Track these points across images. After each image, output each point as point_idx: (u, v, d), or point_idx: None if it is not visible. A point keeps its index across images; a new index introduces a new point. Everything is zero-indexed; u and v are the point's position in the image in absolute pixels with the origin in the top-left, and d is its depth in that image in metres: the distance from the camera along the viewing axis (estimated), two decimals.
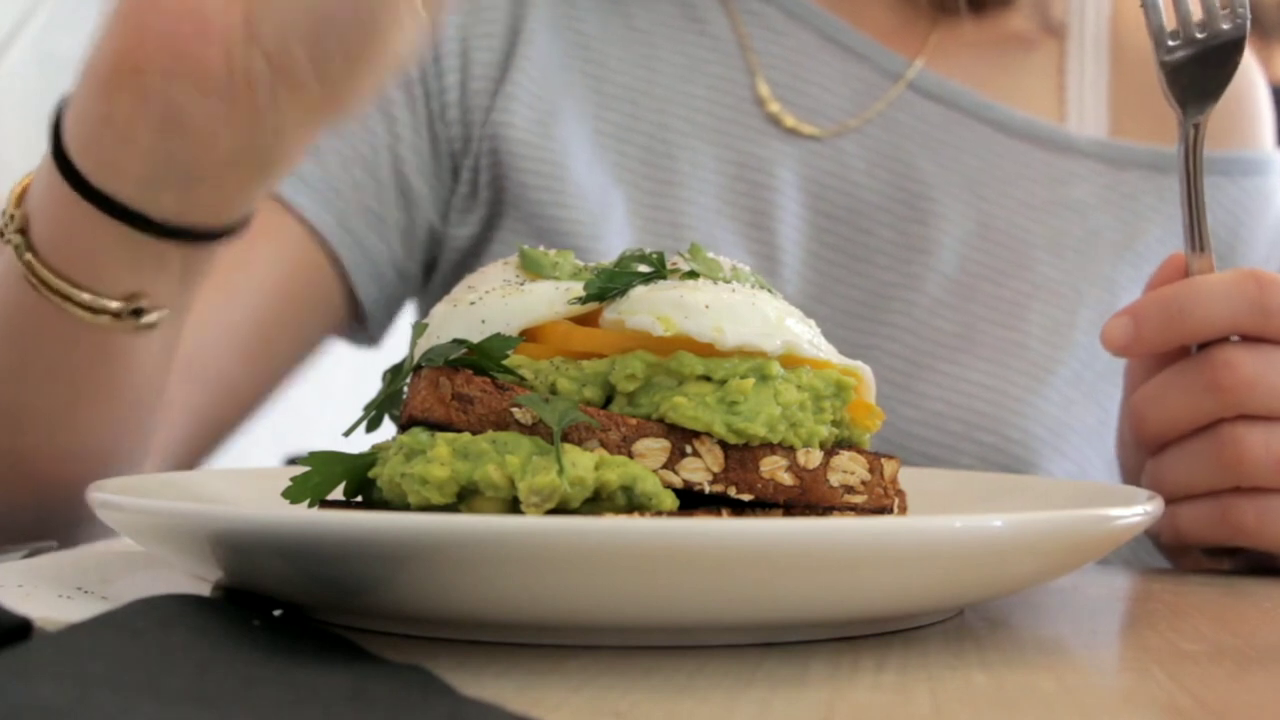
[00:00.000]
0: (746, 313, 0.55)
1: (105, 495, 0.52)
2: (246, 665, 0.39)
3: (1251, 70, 1.08)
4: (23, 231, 0.65)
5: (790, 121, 0.99)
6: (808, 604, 0.47)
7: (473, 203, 0.98)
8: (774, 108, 0.99)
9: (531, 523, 0.43)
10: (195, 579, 0.54)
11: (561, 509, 0.49)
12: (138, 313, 0.65)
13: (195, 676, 0.37)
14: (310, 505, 0.55)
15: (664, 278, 0.57)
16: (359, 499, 0.57)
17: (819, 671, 0.45)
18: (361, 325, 1.01)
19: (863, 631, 0.51)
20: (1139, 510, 0.52)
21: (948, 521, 0.46)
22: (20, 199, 0.66)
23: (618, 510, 0.50)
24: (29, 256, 0.64)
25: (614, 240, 0.94)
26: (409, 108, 0.97)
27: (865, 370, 0.58)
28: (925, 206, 0.98)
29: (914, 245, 0.97)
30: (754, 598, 0.45)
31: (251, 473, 0.71)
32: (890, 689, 0.43)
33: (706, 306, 0.54)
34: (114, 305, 0.65)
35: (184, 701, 0.34)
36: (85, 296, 0.64)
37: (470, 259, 0.99)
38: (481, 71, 0.97)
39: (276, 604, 0.50)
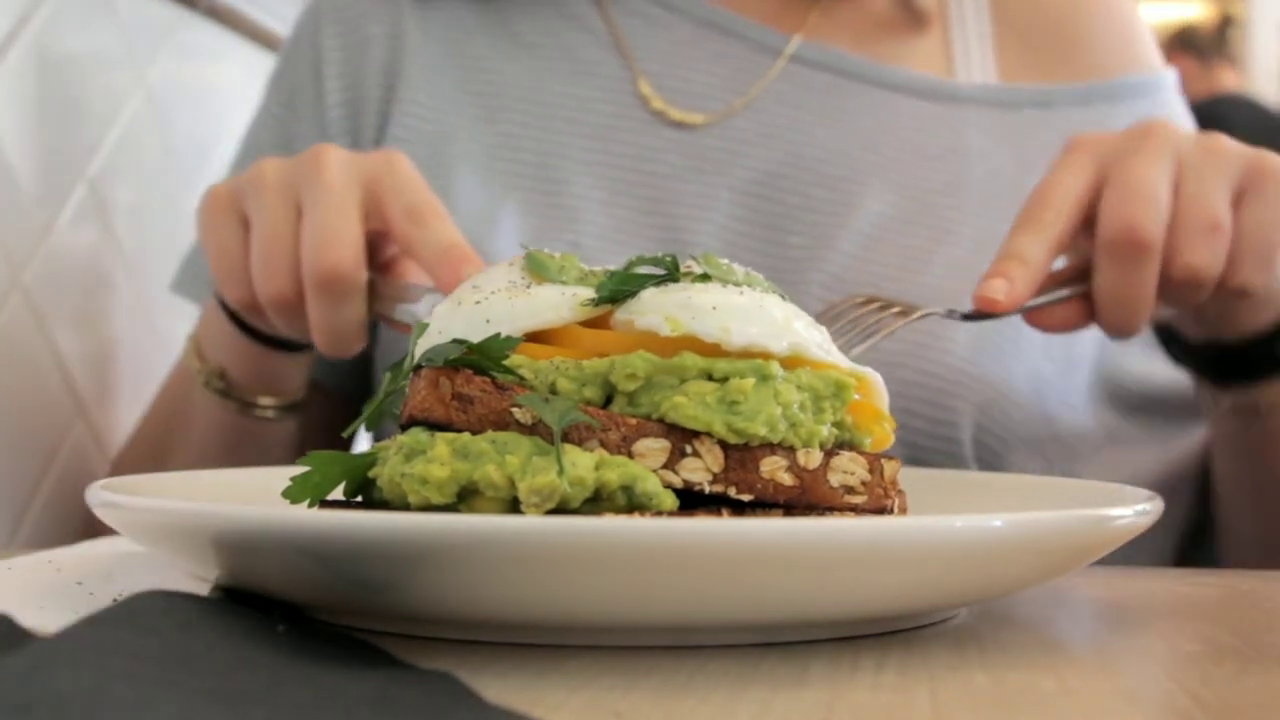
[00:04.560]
0: (754, 314, 0.55)
1: (106, 494, 0.52)
2: (271, 669, 0.39)
3: None
4: (222, 377, 0.91)
5: (676, 114, 1.00)
6: (808, 604, 0.47)
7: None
8: (657, 104, 1.00)
9: (531, 522, 0.43)
10: (195, 579, 0.54)
11: (561, 509, 0.49)
12: (286, 409, 0.94)
13: (218, 677, 0.37)
14: (310, 505, 0.55)
15: (676, 281, 0.57)
16: (358, 499, 0.57)
17: (819, 671, 0.45)
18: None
19: (863, 631, 0.51)
20: (1138, 510, 0.52)
21: (948, 521, 0.46)
22: (199, 354, 0.92)
23: (618, 510, 0.50)
24: (223, 389, 0.92)
25: (503, 244, 0.95)
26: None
27: (875, 377, 0.58)
28: (826, 170, 0.99)
29: (819, 209, 0.98)
30: (754, 597, 0.45)
31: (250, 474, 0.71)
32: (890, 689, 0.43)
33: (714, 307, 0.54)
34: (277, 401, 0.93)
35: (204, 700, 0.34)
36: (266, 400, 0.92)
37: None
38: (370, 130, 1.00)
39: (275, 603, 0.50)
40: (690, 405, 0.51)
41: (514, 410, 0.52)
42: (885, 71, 1.02)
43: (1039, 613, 0.58)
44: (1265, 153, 0.78)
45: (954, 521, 0.46)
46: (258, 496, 0.61)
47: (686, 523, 0.45)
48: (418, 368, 0.54)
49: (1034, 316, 0.78)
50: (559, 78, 1.01)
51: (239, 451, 0.93)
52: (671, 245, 0.97)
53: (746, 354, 0.53)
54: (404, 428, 0.54)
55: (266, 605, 0.49)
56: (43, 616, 0.46)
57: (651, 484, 0.50)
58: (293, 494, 0.54)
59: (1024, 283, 0.74)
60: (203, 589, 0.51)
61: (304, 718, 0.34)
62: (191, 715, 0.33)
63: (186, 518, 0.48)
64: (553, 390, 0.53)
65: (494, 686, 0.41)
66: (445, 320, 0.57)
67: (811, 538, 0.44)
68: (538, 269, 0.59)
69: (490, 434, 0.51)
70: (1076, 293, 0.78)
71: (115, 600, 0.45)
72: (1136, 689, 0.45)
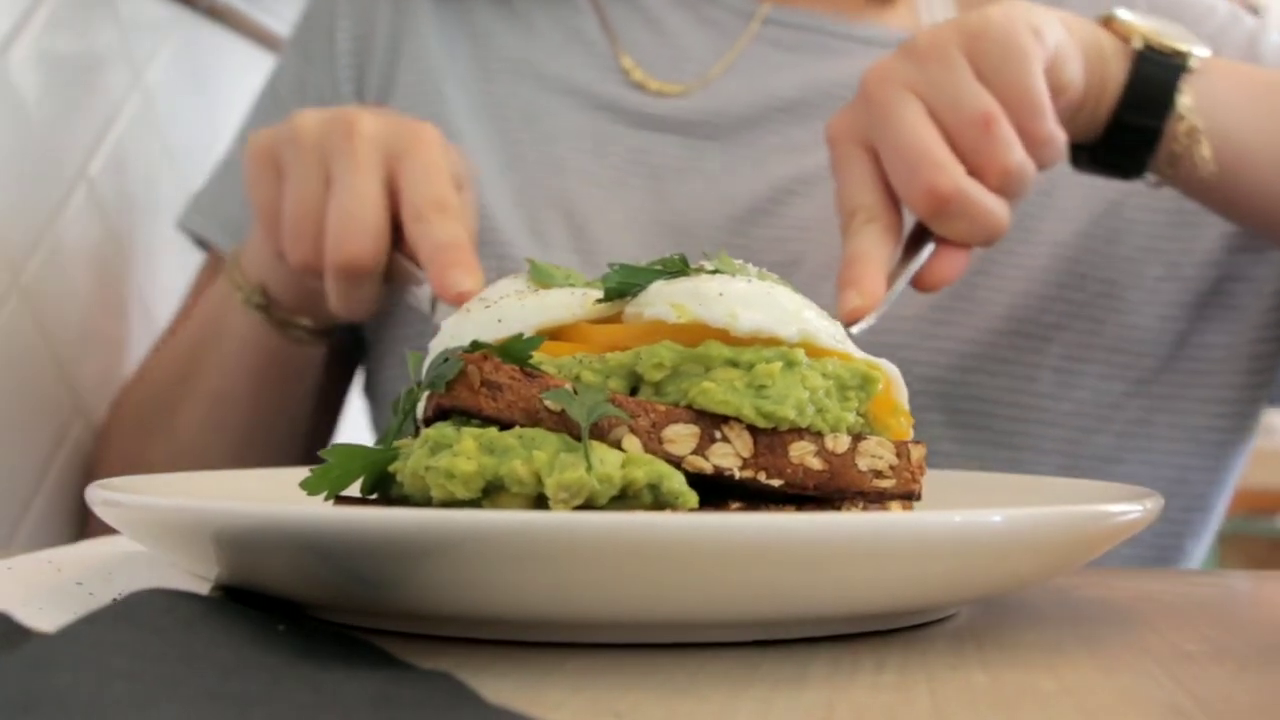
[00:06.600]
0: (761, 300, 0.55)
1: (107, 493, 0.52)
2: (271, 669, 0.39)
3: None
4: (264, 294, 0.94)
5: (656, 85, 1.04)
6: (809, 599, 0.47)
7: None
8: (638, 75, 1.04)
9: (535, 517, 0.43)
10: (195, 578, 0.54)
11: (588, 505, 0.49)
12: (320, 332, 0.97)
13: (218, 677, 0.37)
14: (327, 498, 0.55)
15: (686, 275, 0.57)
16: (374, 496, 0.56)
17: (819, 671, 0.45)
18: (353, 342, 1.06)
19: (863, 629, 0.51)
20: (1138, 507, 0.52)
21: (947, 516, 0.46)
22: (242, 271, 0.95)
23: (644, 508, 0.50)
24: (264, 304, 0.95)
25: (492, 195, 0.98)
26: None
27: (891, 369, 0.58)
28: (804, 111, 1.02)
29: (798, 146, 1.01)
30: (755, 593, 0.45)
31: (251, 474, 0.71)
32: (890, 689, 0.43)
33: (720, 294, 0.54)
34: (313, 324, 0.96)
35: (204, 700, 0.34)
36: (305, 321, 0.96)
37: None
38: (375, 79, 1.05)
39: (276, 602, 0.50)
40: (719, 390, 0.52)
41: (544, 397, 0.51)
42: (857, 28, 1.05)
43: (1039, 613, 0.58)
44: (972, 14, 0.76)
45: (953, 517, 0.46)
46: (259, 496, 0.61)
47: (687, 517, 0.44)
48: (428, 385, 0.54)
49: (921, 283, 0.77)
50: (548, 47, 1.06)
51: (266, 373, 0.98)
52: (659, 193, 1.00)
53: (755, 339, 0.54)
54: (429, 421, 0.54)
55: (267, 605, 0.49)
56: (43, 616, 0.46)
57: (677, 482, 0.50)
58: (311, 486, 0.54)
59: (872, 278, 0.73)
60: (203, 589, 0.51)
61: (304, 718, 0.34)
62: (192, 715, 0.33)
63: (188, 515, 0.48)
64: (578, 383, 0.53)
65: (494, 686, 0.41)
66: (456, 328, 0.57)
67: (812, 532, 0.44)
68: (543, 277, 0.59)
69: (517, 430, 0.51)
70: (935, 238, 0.77)
71: (115, 600, 0.45)
72: (1136, 689, 0.45)
